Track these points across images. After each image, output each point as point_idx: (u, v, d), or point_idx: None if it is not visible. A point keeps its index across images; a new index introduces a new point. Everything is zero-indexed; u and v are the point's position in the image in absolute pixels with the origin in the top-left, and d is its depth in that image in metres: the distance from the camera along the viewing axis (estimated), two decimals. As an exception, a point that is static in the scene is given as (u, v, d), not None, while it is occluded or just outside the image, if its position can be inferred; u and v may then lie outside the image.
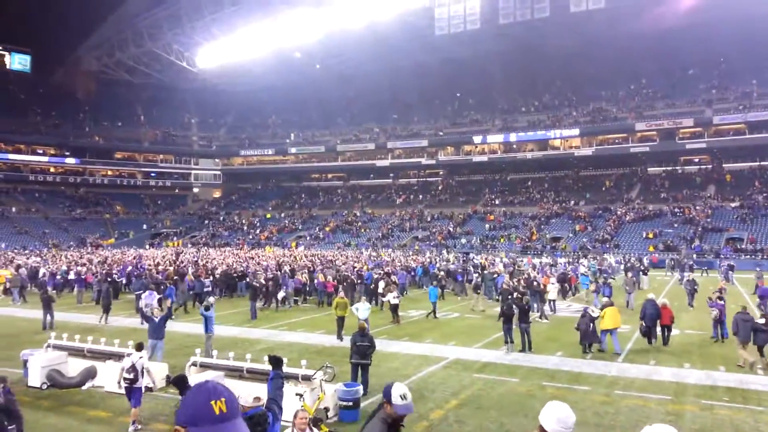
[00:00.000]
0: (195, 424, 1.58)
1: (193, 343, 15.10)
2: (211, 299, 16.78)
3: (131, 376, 9.51)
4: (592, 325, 15.15)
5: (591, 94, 66.70)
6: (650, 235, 48.06)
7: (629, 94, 65.32)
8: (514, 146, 66.99)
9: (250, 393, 4.41)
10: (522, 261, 39.13)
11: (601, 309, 15.76)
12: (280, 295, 24.06)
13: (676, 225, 49.06)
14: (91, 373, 11.94)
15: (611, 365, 13.81)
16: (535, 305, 21.08)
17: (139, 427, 9.42)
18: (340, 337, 16.82)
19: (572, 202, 59.27)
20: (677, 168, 60.21)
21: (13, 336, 17.68)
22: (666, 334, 15.91)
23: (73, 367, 12.33)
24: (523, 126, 66.79)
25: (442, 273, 29.90)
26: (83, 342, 13.03)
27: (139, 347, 10.40)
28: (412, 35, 64.05)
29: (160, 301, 21.94)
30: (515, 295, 17.54)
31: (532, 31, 60.86)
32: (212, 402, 1.64)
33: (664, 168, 60.85)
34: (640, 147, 59.49)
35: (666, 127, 57.88)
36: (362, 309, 16.81)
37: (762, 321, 13.55)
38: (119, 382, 9.95)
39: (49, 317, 19.28)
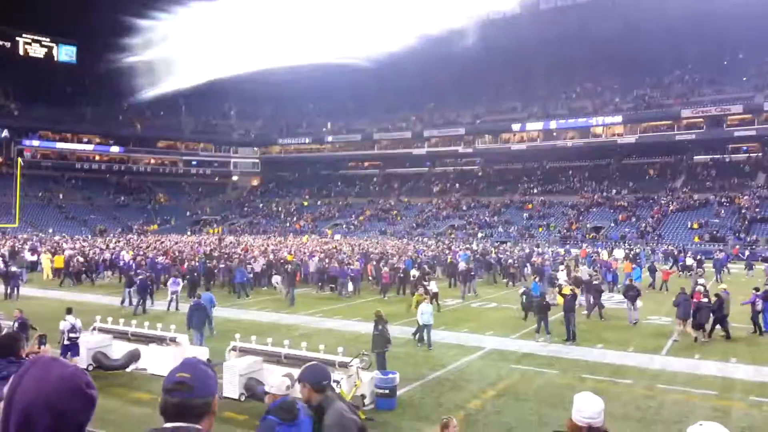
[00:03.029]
0: None
1: (234, 327, 15.34)
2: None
3: (77, 334, 12.06)
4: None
5: (634, 80, 64.67)
6: (695, 226, 46.60)
7: (674, 80, 63.17)
8: (554, 134, 65.66)
9: (283, 380, 4.33)
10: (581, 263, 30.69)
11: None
12: (350, 286, 24.41)
13: (722, 215, 47.45)
14: (134, 356, 12.27)
15: (654, 358, 13.47)
16: (584, 303, 19.11)
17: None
18: (415, 335, 15.08)
19: (614, 191, 57.83)
20: (725, 156, 57.92)
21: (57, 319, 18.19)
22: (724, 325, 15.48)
23: (118, 350, 12.67)
24: (564, 113, 65.34)
25: (510, 261, 29.34)
26: (127, 326, 13.39)
27: (69, 311, 12.67)
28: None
29: (194, 288, 22.54)
30: (558, 285, 17.35)
31: (572, 15, 59.35)
32: None
33: (710, 156, 58.61)
34: (686, 134, 57.49)
35: (713, 114, 55.79)
36: (425, 311, 14.59)
37: (705, 300, 15.12)
38: (62, 342, 12.00)
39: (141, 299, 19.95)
